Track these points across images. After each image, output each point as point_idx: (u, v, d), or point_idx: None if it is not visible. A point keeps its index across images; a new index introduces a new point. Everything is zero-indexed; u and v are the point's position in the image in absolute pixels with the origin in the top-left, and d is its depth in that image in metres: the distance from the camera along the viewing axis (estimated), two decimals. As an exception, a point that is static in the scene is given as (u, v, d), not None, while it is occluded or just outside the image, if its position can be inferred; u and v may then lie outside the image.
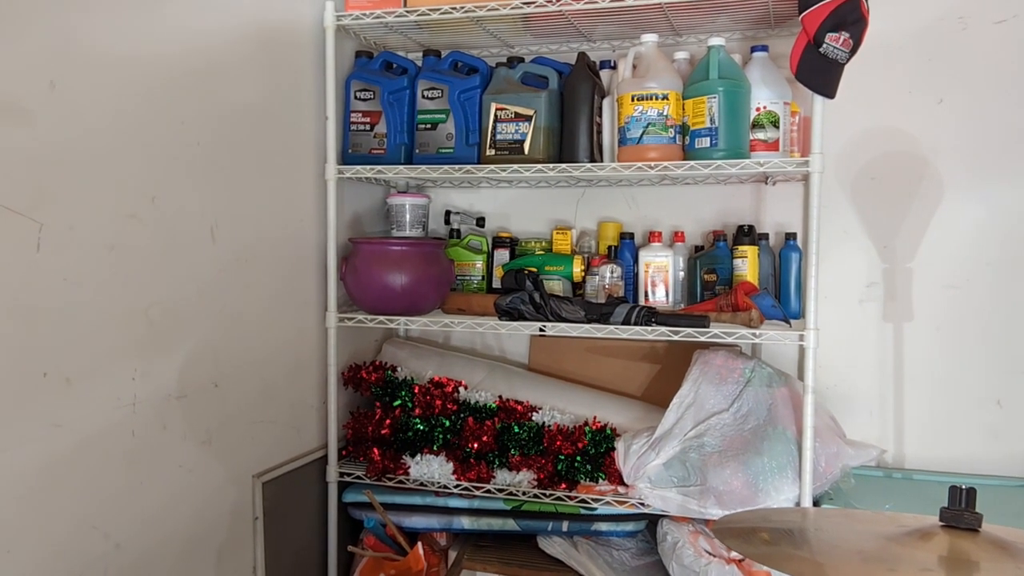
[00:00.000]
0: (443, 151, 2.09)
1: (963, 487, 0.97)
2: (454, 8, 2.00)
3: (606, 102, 2.05)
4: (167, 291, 1.60)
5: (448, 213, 2.41)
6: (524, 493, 1.99)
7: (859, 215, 2.17)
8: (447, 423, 2.08)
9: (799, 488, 1.83)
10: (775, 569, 0.91)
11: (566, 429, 2.03)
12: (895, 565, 0.88)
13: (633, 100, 1.90)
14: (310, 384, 2.12)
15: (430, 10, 2.01)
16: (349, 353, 2.27)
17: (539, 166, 1.99)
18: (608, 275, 2.11)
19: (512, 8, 1.96)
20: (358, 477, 2.11)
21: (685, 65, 2.06)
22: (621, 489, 1.96)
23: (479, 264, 2.30)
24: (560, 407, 2.12)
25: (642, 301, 2.14)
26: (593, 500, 1.96)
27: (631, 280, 2.17)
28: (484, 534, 2.09)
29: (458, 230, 2.40)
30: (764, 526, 1.07)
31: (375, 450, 2.07)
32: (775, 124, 1.91)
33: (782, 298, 2.12)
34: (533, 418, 2.08)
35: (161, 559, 1.60)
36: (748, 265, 2.09)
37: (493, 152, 2.03)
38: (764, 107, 1.92)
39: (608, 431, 2.02)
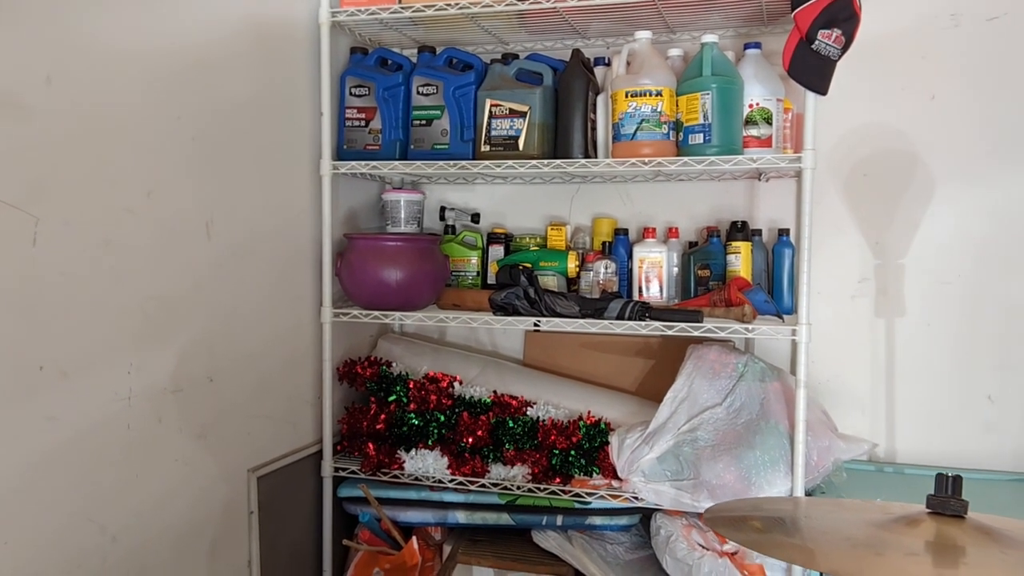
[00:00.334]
0: (438, 147, 2.09)
1: (949, 474, 0.98)
2: (449, 4, 2.01)
3: (600, 98, 2.06)
4: (163, 285, 1.60)
5: (443, 209, 2.42)
6: (518, 487, 2.00)
7: (851, 211, 2.19)
8: (442, 418, 2.09)
9: (791, 481, 1.84)
10: (766, 555, 0.92)
11: (560, 424, 2.04)
12: (882, 550, 0.89)
13: (627, 96, 1.91)
14: (305, 379, 2.12)
15: (425, 6, 2.02)
16: (344, 348, 2.27)
17: (534, 162, 2.00)
18: (602, 271, 2.12)
19: (507, 4, 1.97)
20: (353, 472, 2.12)
21: (679, 62, 2.07)
22: (615, 483, 1.97)
23: (474, 260, 2.31)
24: (554, 402, 2.13)
25: (636, 296, 2.16)
26: (587, 494, 1.97)
27: (625, 276, 2.18)
28: (479, 528, 2.10)
29: (453, 226, 2.40)
30: (755, 514, 1.08)
31: (370, 445, 2.08)
32: (768, 121, 1.93)
33: (775, 293, 2.13)
34: (528, 413, 2.09)
35: (156, 552, 1.61)
36: (741, 261, 2.10)
37: (488, 148, 2.04)
38: (757, 104, 1.93)
39: (602, 425, 2.03)
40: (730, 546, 1.86)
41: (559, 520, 2.00)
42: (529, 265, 2.16)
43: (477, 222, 2.45)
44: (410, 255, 2.09)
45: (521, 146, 2.01)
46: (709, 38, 1.91)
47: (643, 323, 1.93)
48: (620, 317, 1.94)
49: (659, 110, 1.90)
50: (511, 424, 2.04)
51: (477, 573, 2.02)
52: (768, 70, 1.96)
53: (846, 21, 1.74)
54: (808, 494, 1.90)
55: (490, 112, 2.04)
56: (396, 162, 2.11)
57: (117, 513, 1.50)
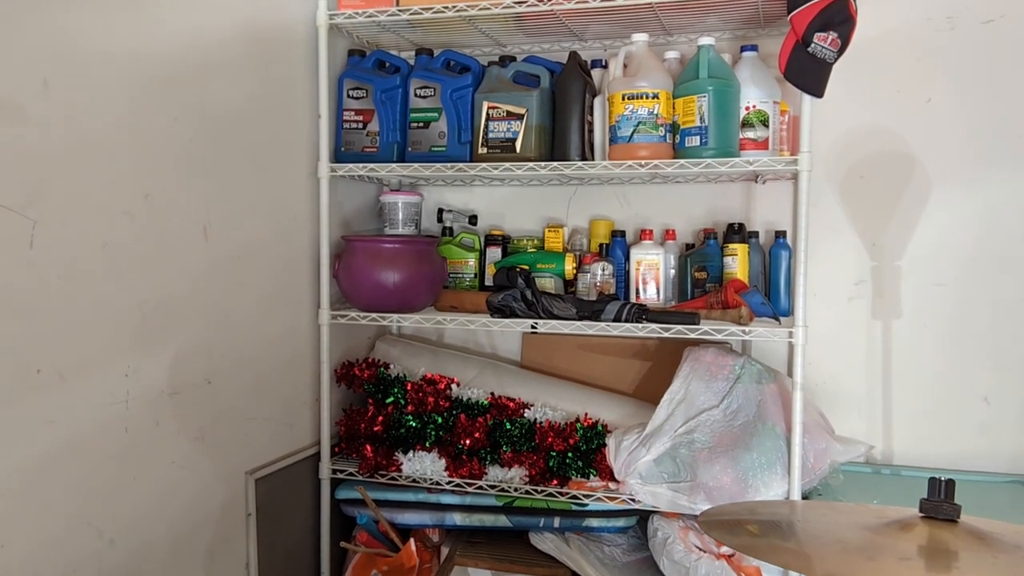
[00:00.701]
0: (435, 149, 2.10)
1: (942, 479, 0.99)
2: (446, 7, 2.01)
3: (597, 101, 2.06)
4: (160, 288, 1.61)
5: (441, 211, 2.42)
6: (516, 489, 2.00)
7: (848, 213, 2.19)
8: (439, 420, 2.09)
9: (788, 484, 1.85)
10: (761, 560, 0.93)
11: (558, 426, 2.04)
12: (875, 555, 0.90)
13: (624, 99, 1.91)
14: (303, 381, 2.13)
15: (422, 9, 2.02)
16: (342, 350, 2.28)
17: (531, 164, 2.00)
18: (600, 273, 2.12)
19: (504, 7, 1.97)
20: (351, 474, 2.12)
21: (675, 64, 2.08)
22: (612, 485, 1.98)
23: (471, 262, 2.31)
24: (552, 404, 2.13)
25: (633, 298, 2.16)
26: (584, 496, 1.97)
27: (622, 277, 2.19)
28: (476, 530, 2.10)
29: (451, 228, 2.41)
30: (750, 518, 1.08)
31: (368, 447, 2.08)
32: (764, 123, 1.93)
33: (772, 295, 2.13)
34: (525, 415, 2.09)
35: (154, 555, 1.61)
36: (738, 263, 2.10)
37: (485, 150, 2.04)
38: (753, 106, 1.93)
39: (599, 427, 2.03)
40: (727, 548, 1.86)
41: (556, 522, 2.00)
42: (527, 267, 2.16)
43: (475, 224, 2.46)
44: (408, 257, 2.09)
45: (518, 148, 2.01)
46: (706, 40, 1.91)
47: (640, 325, 1.93)
48: (617, 319, 1.95)
49: (656, 112, 1.90)
50: (508, 426, 2.05)
51: (474, 575, 2.02)
52: (764, 73, 1.97)
53: (842, 24, 1.75)
54: (805, 496, 1.90)
55: (487, 114, 2.04)
56: (394, 164, 2.12)
57: (114, 516, 1.51)
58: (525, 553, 2.02)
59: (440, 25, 2.14)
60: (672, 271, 2.18)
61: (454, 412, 2.11)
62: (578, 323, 1.97)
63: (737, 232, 2.13)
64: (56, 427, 1.38)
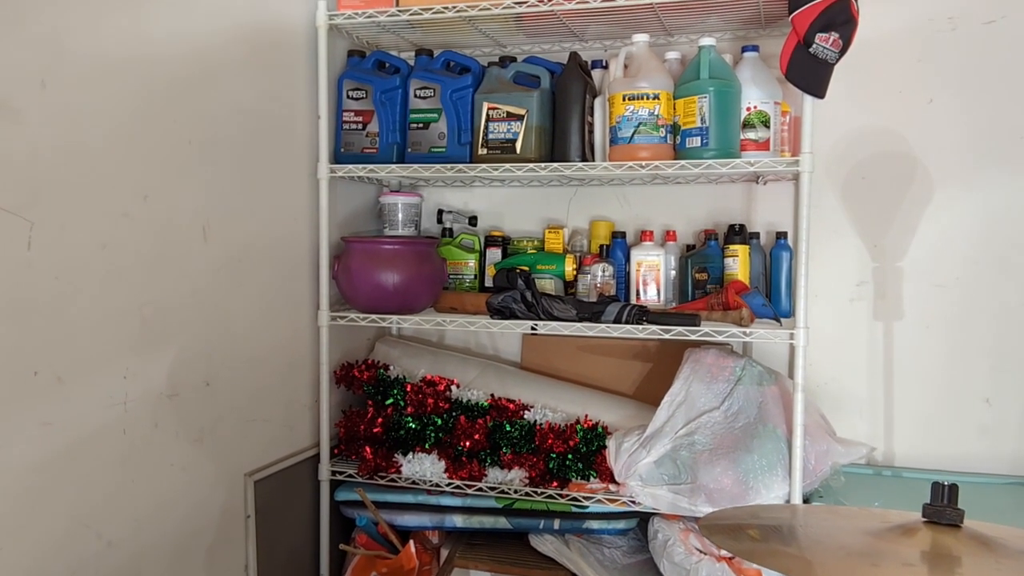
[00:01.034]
0: (435, 150, 2.09)
1: (945, 483, 0.98)
2: (446, 8, 2.00)
3: (597, 102, 2.06)
4: (159, 290, 1.60)
5: (440, 212, 2.41)
6: (516, 491, 2.00)
7: (849, 214, 2.19)
8: (439, 421, 2.08)
9: (789, 486, 1.84)
10: (762, 565, 0.92)
11: (558, 427, 2.03)
12: (878, 560, 0.89)
13: (624, 100, 1.91)
14: (302, 383, 2.12)
15: (422, 9, 2.02)
16: (341, 352, 2.27)
17: (531, 165, 1.99)
18: (600, 274, 2.11)
19: (504, 8, 1.96)
20: (350, 475, 2.11)
21: (676, 65, 2.07)
22: (612, 487, 1.97)
23: (471, 263, 2.31)
24: (552, 405, 2.13)
25: (634, 300, 2.15)
26: (584, 498, 1.96)
27: (623, 279, 2.18)
28: (476, 532, 2.09)
29: (451, 229, 2.40)
30: (751, 523, 1.07)
31: (367, 448, 2.08)
32: (765, 124, 1.93)
33: (773, 297, 2.13)
34: (525, 416, 2.09)
35: (153, 557, 1.60)
36: (739, 264, 2.10)
37: (485, 151, 2.04)
38: (755, 107, 1.93)
39: (599, 429, 2.03)
40: (724, 549, 1.85)
41: (556, 524, 2.00)
42: (527, 268, 2.16)
43: (475, 225, 2.45)
44: (408, 258, 2.09)
45: (518, 149, 2.01)
46: (707, 41, 1.90)
47: (640, 327, 1.92)
48: (617, 320, 1.94)
49: (656, 113, 1.90)
50: (508, 428, 2.04)
51: (474, 577, 2.02)
52: (766, 73, 1.96)
53: (844, 24, 1.74)
54: (806, 498, 1.90)
55: (487, 115, 2.03)
56: (393, 165, 2.11)
57: (113, 519, 1.50)
58: (525, 555, 2.01)
59: (440, 26, 2.14)
60: (673, 272, 2.18)
61: (454, 414, 2.10)
62: (578, 324, 1.97)
63: (738, 233, 2.12)
64: (54, 430, 1.37)
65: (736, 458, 1.87)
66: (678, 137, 1.93)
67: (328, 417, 2.15)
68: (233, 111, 1.82)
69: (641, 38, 1.95)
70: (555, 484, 1.98)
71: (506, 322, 2.02)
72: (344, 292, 2.13)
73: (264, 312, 1.94)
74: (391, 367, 2.27)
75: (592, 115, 2.05)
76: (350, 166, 2.12)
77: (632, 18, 2.05)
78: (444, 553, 2.08)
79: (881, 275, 2.17)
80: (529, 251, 2.29)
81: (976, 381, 2.11)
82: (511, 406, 2.10)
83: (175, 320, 1.65)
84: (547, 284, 2.17)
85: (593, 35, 2.23)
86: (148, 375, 1.58)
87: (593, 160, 2.05)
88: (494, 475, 2.03)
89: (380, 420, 2.12)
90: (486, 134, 2.03)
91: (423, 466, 2.06)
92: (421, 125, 2.10)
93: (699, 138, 1.88)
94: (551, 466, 1.99)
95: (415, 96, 2.11)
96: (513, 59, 2.10)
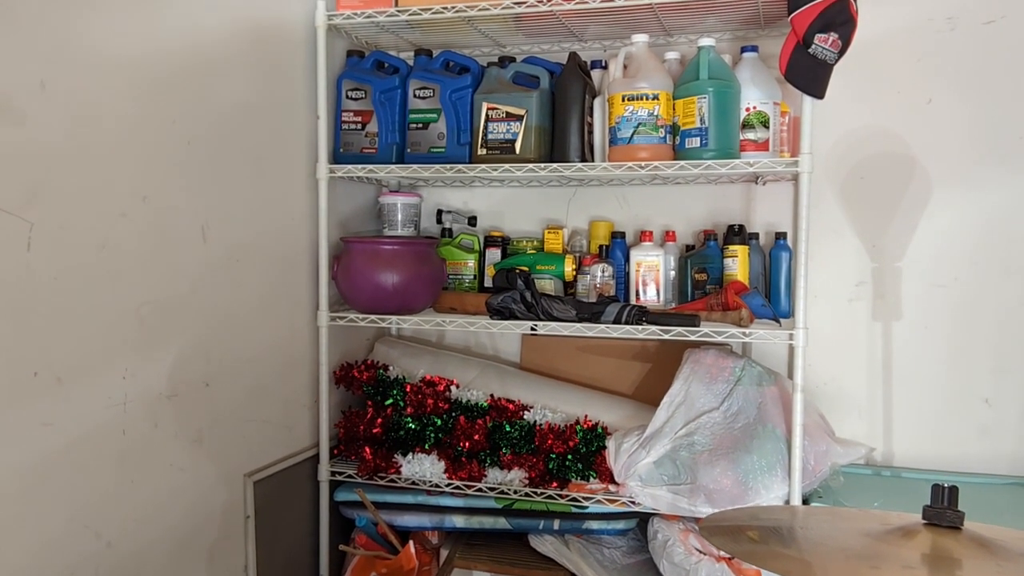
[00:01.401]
0: (434, 150, 2.09)
1: (945, 485, 0.98)
2: (445, 8, 2.00)
3: (597, 102, 2.06)
4: (158, 290, 1.60)
5: (440, 212, 2.41)
6: (515, 492, 2.00)
7: (848, 214, 2.19)
8: (439, 422, 2.08)
9: (788, 486, 1.84)
10: (762, 567, 0.92)
11: (557, 428, 2.03)
12: (879, 563, 0.89)
13: (624, 100, 1.91)
14: (302, 383, 2.12)
15: (421, 10, 2.02)
16: (341, 352, 2.27)
17: (530, 166, 1.99)
18: (599, 274, 2.11)
19: (503, 8, 1.96)
20: (350, 476, 2.11)
21: (675, 65, 2.07)
22: (612, 487, 1.97)
23: (471, 263, 2.31)
24: (551, 406, 2.13)
25: (633, 300, 2.15)
26: (584, 498, 1.96)
27: (622, 279, 2.18)
28: (476, 533, 2.09)
29: (450, 229, 2.40)
30: (751, 524, 1.07)
31: (367, 449, 2.08)
32: (765, 124, 1.92)
33: (772, 297, 2.13)
34: (524, 417, 2.09)
35: (152, 558, 1.60)
36: (738, 264, 2.10)
37: (484, 151, 2.04)
38: (754, 107, 1.93)
39: (599, 430, 2.02)
40: (724, 551, 1.85)
41: (556, 524, 2.00)
42: (526, 268, 2.15)
43: (474, 225, 2.45)
44: (407, 258, 2.08)
45: (518, 149, 2.01)
46: (706, 41, 1.90)
47: (640, 327, 1.92)
48: (617, 321, 1.94)
49: (656, 114, 1.90)
50: (508, 428, 2.04)
51: (474, 577, 2.02)
52: (765, 74, 1.96)
53: (843, 25, 1.74)
54: (805, 499, 1.90)
55: (487, 115, 2.03)
56: (392, 165, 2.11)
57: (112, 519, 1.50)
58: (525, 555, 2.01)
59: (439, 26, 2.14)
60: (672, 273, 2.18)
61: (453, 414, 2.10)
62: (578, 325, 1.97)
63: (737, 233, 2.12)
64: (53, 430, 1.37)
65: (735, 458, 1.87)
66: (677, 137, 1.93)
67: (328, 417, 2.15)
68: (233, 111, 1.81)
69: (640, 38, 1.95)
70: (555, 484, 1.98)
71: (506, 322, 2.02)
72: (343, 292, 2.12)
73: (263, 312, 1.94)
74: (391, 367, 2.27)
75: (591, 115, 2.05)
76: (349, 166, 2.11)
77: (631, 18, 2.05)
78: (444, 553, 2.08)
79: (880, 275, 2.17)
80: (528, 251, 2.29)
81: (976, 381, 2.11)
82: (511, 406, 2.10)
83: (174, 320, 1.64)
84: (547, 284, 2.17)
85: (592, 35, 2.23)
86: (147, 375, 1.58)
87: (592, 160, 2.05)
88: (494, 475, 2.02)
89: (380, 420, 2.12)
90: (485, 134, 2.03)
91: (423, 466, 2.06)
92: (420, 125, 2.10)
93: (698, 138, 1.88)
94: (551, 466, 1.99)
95: (414, 96, 2.11)
96: (512, 59, 2.09)
